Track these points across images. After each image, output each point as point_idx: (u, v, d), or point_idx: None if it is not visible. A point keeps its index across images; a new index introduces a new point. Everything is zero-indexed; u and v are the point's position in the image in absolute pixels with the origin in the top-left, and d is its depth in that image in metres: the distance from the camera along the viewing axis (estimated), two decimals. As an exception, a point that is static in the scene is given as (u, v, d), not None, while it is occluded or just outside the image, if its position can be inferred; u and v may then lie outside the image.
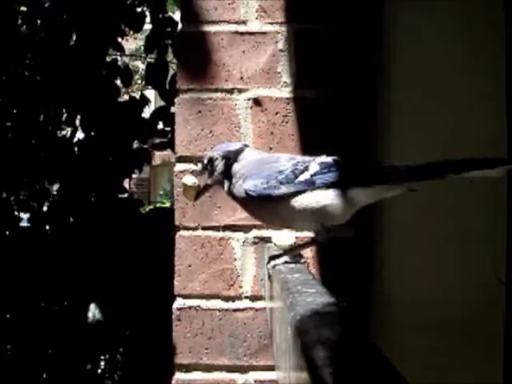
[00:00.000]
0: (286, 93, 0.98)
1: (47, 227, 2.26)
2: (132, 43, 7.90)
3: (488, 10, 0.95)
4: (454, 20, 0.97)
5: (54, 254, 2.15)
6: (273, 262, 0.74)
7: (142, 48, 2.48)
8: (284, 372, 0.53)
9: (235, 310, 0.97)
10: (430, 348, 0.95)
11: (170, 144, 2.34)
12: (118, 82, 2.46)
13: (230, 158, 0.73)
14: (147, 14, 2.42)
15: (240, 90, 0.99)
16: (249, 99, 0.98)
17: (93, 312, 2.10)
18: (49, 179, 2.34)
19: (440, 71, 0.97)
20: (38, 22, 2.29)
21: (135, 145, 2.42)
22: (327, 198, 0.67)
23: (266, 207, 0.70)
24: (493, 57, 0.95)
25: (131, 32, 2.50)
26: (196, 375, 0.98)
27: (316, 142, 0.98)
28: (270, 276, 0.75)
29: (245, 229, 0.98)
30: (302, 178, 0.68)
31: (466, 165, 0.63)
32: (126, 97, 2.46)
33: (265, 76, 0.99)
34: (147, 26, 2.46)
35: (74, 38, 2.29)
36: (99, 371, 2.39)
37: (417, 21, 0.98)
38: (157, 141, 2.46)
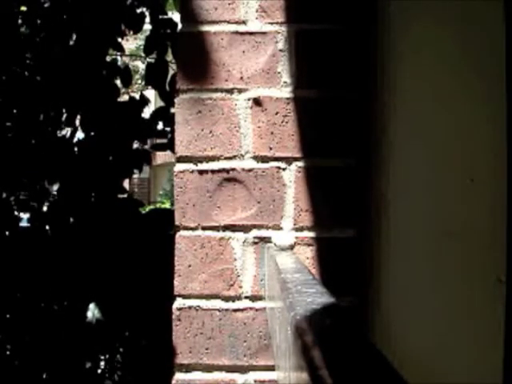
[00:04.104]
0: (286, 93, 0.98)
1: (47, 227, 2.27)
2: (132, 43, 7.91)
3: (487, 9, 0.95)
4: (453, 19, 0.97)
5: (53, 254, 2.15)
6: None
7: (142, 48, 2.48)
8: (284, 372, 0.53)
9: (235, 310, 0.97)
10: (430, 348, 0.95)
11: (170, 145, 2.34)
12: (118, 82, 2.46)
13: None
14: (147, 14, 2.43)
15: (240, 90, 0.99)
16: (249, 99, 0.98)
17: (92, 312, 2.10)
18: (49, 179, 2.34)
19: (439, 71, 0.97)
20: (38, 21, 2.29)
21: (135, 145, 2.42)
22: None
23: None
24: (493, 56, 0.95)
25: (131, 32, 2.50)
26: (196, 375, 0.98)
27: (316, 142, 0.98)
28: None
29: (245, 229, 0.98)
30: None
31: None
32: (126, 97, 2.46)
33: (265, 76, 0.99)
34: (147, 27, 2.46)
35: (74, 37, 2.30)
36: (99, 371, 2.40)
37: (413, 19, 0.98)
38: (157, 141, 2.47)
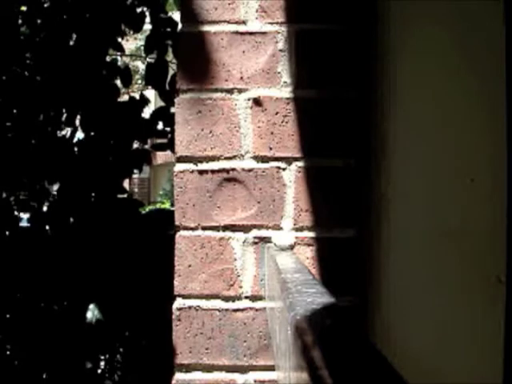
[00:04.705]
0: (286, 93, 0.98)
1: (47, 227, 2.26)
2: (132, 43, 7.91)
3: (487, 9, 0.95)
4: (452, 20, 0.97)
5: (53, 254, 2.15)
6: None
7: (142, 48, 2.48)
8: (284, 372, 0.53)
9: (235, 310, 0.97)
10: (430, 348, 0.95)
11: (170, 145, 2.34)
12: (118, 82, 2.46)
13: None
14: (147, 14, 2.42)
15: (240, 90, 0.99)
16: (249, 99, 0.98)
17: (92, 312, 2.10)
18: (49, 179, 2.34)
19: (439, 71, 0.97)
20: (38, 21, 2.29)
21: (135, 145, 2.42)
22: None
23: None
24: (492, 56, 0.95)
25: (131, 32, 2.50)
26: (196, 375, 0.98)
27: (316, 142, 0.98)
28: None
29: (245, 229, 0.98)
30: None
31: None
32: (126, 97, 2.46)
33: (265, 76, 0.99)
34: (147, 26, 2.46)
35: (74, 37, 2.30)
36: (99, 371, 2.39)
37: (413, 20, 0.98)
38: (158, 141, 2.47)
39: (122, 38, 2.46)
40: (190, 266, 0.98)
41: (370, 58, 0.99)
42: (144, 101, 2.40)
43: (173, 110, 1.89)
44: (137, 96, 2.44)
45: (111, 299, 2.14)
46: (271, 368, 0.95)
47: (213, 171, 0.98)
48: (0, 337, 2.22)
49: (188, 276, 0.98)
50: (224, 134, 0.98)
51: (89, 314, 2.10)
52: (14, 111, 2.27)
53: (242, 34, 0.99)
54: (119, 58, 2.62)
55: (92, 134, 2.30)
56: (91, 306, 2.10)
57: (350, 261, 0.96)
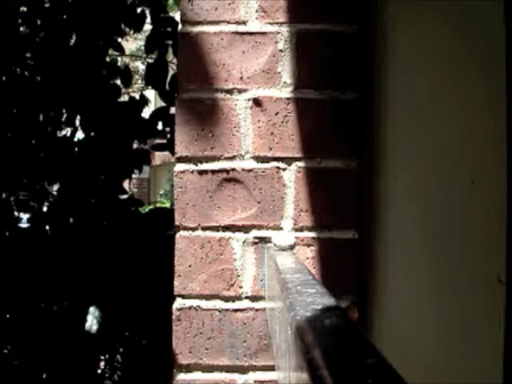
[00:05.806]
0: (286, 93, 0.98)
1: (47, 227, 2.26)
2: (132, 43, 7.91)
3: (487, 9, 0.95)
4: (453, 19, 0.97)
5: (53, 255, 2.15)
6: None
7: (143, 48, 2.48)
8: (284, 372, 0.53)
9: (235, 310, 0.97)
10: (430, 348, 0.95)
11: (169, 145, 2.34)
12: (118, 81, 2.46)
13: None
14: (147, 14, 2.43)
15: (240, 90, 0.99)
16: (249, 99, 0.98)
17: (93, 314, 2.10)
18: (49, 179, 2.34)
19: (439, 71, 0.97)
20: (38, 22, 2.29)
21: (135, 145, 2.42)
22: None
23: None
24: (492, 56, 0.95)
25: (131, 32, 2.50)
26: (196, 375, 0.98)
27: (316, 142, 0.98)
28: None
29: (245, 229, 0.98)
30: None
31: None
32: (126, 97, 2.46)
33: (265, 76, 0.99)
34: (148, 27, 2.46)
35: (74, 37, 2.30)
36: (99, 371, 2.40)
37: (413, 19, 0.98)
38: (157, 141, 2.47)
39: (122, 38, 2.47)
40: (190, 266, 0.98)
41: (370, 58, 0.99)
42: (144, 101, 2.40)
43: (173, 110, 1.89)
44: (137, 96, 2.44)
45: (111, 299, 2.14)
46: (271, 368, 0.95)
47: (213, 171, 0.98)
48: (0, 337, 2.22)
49: (188, 276, 0.98)
50: (224, 134, 0.98)
51: (89, 317, 2.10)
52: (14, 111, 2.27)
53: (241, 34, 0.99)
54: (119, 58, 2.62)
55: (92, 134, 2.30)
56: (91, 309, 2.10)
57: (350, 261, 0.96)
